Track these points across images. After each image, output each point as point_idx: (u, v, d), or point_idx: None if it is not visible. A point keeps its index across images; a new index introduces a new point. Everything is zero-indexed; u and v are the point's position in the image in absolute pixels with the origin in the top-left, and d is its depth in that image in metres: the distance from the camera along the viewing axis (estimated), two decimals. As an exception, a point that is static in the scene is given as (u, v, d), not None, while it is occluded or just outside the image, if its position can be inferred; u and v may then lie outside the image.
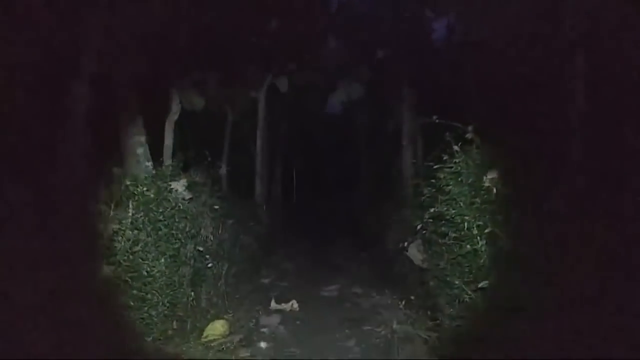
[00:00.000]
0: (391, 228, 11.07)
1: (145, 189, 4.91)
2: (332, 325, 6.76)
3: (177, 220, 5.24)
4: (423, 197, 5.88)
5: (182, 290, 5.41)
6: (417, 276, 7.32)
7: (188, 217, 5.53)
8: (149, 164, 6.74)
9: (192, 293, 5.74)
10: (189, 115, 15.52)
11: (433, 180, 5.51)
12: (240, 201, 11.54)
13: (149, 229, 4.81)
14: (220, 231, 6.97)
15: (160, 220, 4.93)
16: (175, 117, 8.62)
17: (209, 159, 6.83)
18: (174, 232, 5.12)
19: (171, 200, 5.22)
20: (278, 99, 17.20)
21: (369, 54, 14.04)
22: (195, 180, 6.24)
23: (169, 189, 5.30)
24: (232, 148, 15.31)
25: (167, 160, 7.85)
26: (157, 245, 4.85)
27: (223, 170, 12.82)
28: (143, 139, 7.24)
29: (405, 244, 7.03)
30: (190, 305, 5.87)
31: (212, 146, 15.58)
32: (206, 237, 6.50)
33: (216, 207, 6.65)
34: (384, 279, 9.24)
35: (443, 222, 5.33)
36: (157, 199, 4.98)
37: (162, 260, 4.85)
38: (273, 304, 7.45)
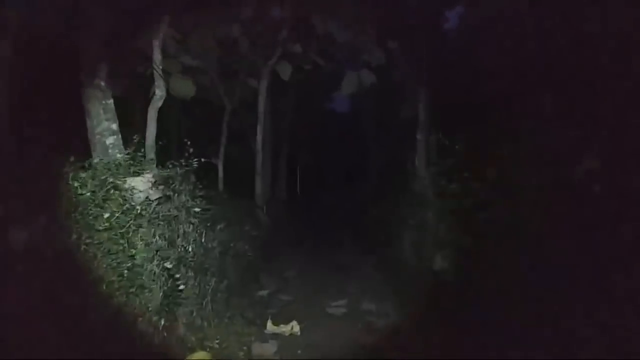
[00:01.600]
0: (404, 228, 9.78)
1: (77, 184, 3.63)
2: (340, 354, 5.50)
3: (129, 227, 3.94)
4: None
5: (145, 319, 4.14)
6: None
7: (146, 223, 4.21)
8: (120, 155, 5.49)
9: (163, 321, 4.46)
10: (183, 105, 14.45)
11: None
12: (237, 202, 10.30)
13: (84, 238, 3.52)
14: (204, 239, 5.68)
15: (99, 230, 3.64)
16: (160, 103, 7.33)
17: (191, 150, 5.51)
18: (122, 244, 3.82)
19: (121, 201, 3.94)
20: (281, 88, 15.95)
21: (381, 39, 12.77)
22: (169, 176, 4.92)
23: (120, 186, 4.01)
24: (229, 142, 14.12)
25: (150, 153, 6.61)
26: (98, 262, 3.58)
27: (219, 165, 11.59)
28: (115, 125, 6.01)
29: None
30: (163, 335, 4.60)
31: (207, 140, 14.48)
32: (185, 247, 5.23)
33: (196, 209, 5.35)
34: (400, 290, 7.96)
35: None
36: (94, 200, 3.70)
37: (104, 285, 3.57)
38: (269, 326, 6.19)
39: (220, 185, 11.53)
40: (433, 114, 12.24)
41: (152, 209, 4.32)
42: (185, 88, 9.60)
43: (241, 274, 8.34)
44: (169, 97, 8.06)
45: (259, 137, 13.71)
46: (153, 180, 4.43)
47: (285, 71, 11.96)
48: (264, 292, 8.47)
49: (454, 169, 8.94)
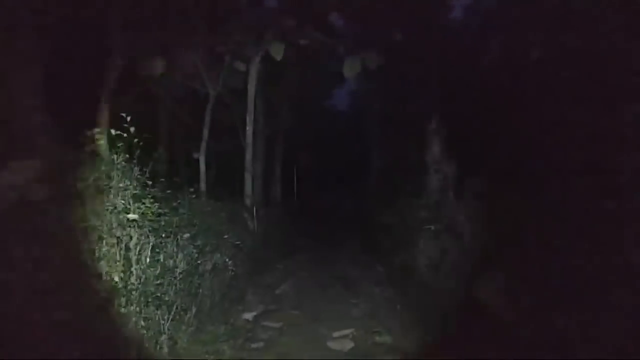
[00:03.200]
0: (418, 234, 8.17)
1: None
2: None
3: None
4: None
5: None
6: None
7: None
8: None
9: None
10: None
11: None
12: (218, 204, 8.66)
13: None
14: (149, 255, 4.03)
15: None
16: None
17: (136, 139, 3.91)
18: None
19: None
20: (274, 72, 14.31)
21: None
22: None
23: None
24: (216, 136, 12.54)
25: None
26: None
27: (200, 160, 9.97)
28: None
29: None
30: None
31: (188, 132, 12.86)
32: (124, 269, 3.58)
33: (132, 216, 3.69)
34: (418, 314, 6.32)
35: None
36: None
37: None
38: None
39: (203, 184, 9.90)
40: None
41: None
42: (154, 63, 7.97)
43: (221, 294, 6.72)
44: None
45: (249, 129, 12.08)
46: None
47: (278, 50, 10.30)
48: (249, 316, 6.82)
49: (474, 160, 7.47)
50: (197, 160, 9.98)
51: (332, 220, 18.43)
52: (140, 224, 3.80)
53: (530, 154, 6.96)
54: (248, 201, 11.92)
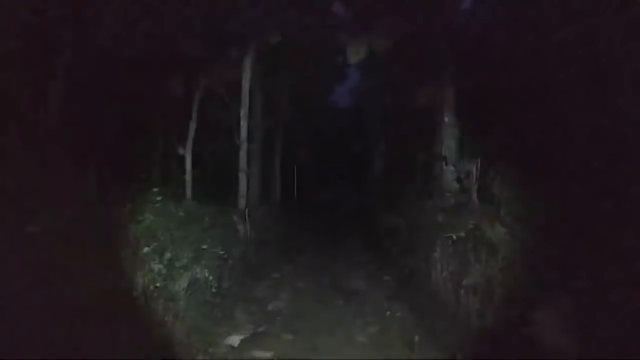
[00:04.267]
0: (429, 240, 7.09)
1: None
2: None
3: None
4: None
5: None
6: None
7: None
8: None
9: None
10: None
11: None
12: (201, 206, 7.60)
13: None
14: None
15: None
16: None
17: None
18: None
19: None
20: (271, 65, 13.19)
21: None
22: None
23: None
24: (212, 134, 11.50)
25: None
26: None
27: (186, 157, 8.89)
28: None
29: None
30: None
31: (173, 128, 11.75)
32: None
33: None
34: (438, 341, 5.22)
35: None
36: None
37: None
38: None
39: (189, 185, 8.80)
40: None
41: None
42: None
43: (201, 314, 5.64)
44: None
45: (243, 125, 10.97)
46: None
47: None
48: (233, 340, 5.73)
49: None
50: (183, 158, 8.87)
51: (333, 221, 17.30)
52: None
53: (564, 147, 5.97)
54: (242, 202, 10.83)
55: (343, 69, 20.52)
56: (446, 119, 9.18)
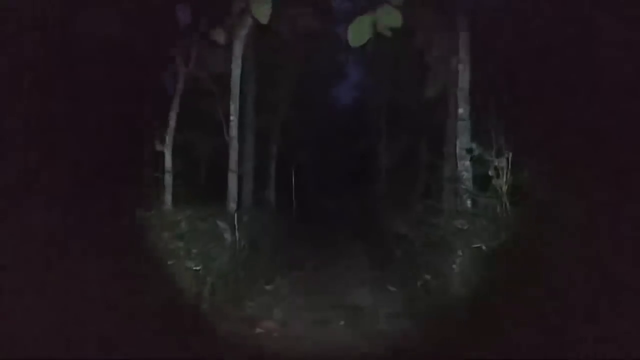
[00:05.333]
0: (446, 250, 6.01)
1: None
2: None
3: None
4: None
5: None
6: None
7: None
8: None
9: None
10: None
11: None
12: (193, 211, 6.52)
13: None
14: None
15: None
16: None
17: None
18: None
19: None
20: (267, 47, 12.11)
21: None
22: None
23: None
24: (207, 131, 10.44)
25: None
26: None
27: (166, 154, 7.80)
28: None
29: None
30: None
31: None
32: None
33: None
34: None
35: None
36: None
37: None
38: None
39: (169, 187, 7.69)
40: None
41: None
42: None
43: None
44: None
45: (233, 119, 9.88)
46: None
47: (263, 12, 8.07)
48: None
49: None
50: (162, 154, 7.77)
51: (335, 228, 16.12)
52: None
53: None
54: (233, 206, 9.72)
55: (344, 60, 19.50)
56: (461, 111, 8.10)
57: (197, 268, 4.83)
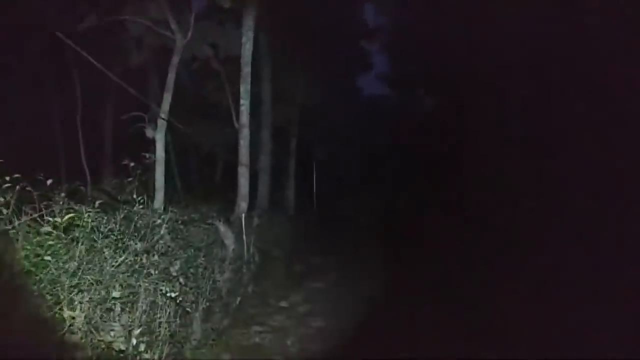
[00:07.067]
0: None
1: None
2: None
3: None
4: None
5: None
6: None
7: None
8: None
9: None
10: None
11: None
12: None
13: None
14: None
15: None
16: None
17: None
18: None
19: None
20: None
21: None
22: None
23: None
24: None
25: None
26: None
27: (157, 142, 6.41)
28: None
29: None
30: None
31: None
32: None
33: None
34: None
35: None
36: None
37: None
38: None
39: (160, 185, 6.26)
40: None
41: None
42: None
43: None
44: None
45: (244, 104, 8.49)
46: None
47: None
48: None
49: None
50: (153, 141, 6.38)
51: (356, 232, 14.33)
52: None
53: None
54: (243, 206, 8.31)
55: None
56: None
57: (174, 295, 3.33)
